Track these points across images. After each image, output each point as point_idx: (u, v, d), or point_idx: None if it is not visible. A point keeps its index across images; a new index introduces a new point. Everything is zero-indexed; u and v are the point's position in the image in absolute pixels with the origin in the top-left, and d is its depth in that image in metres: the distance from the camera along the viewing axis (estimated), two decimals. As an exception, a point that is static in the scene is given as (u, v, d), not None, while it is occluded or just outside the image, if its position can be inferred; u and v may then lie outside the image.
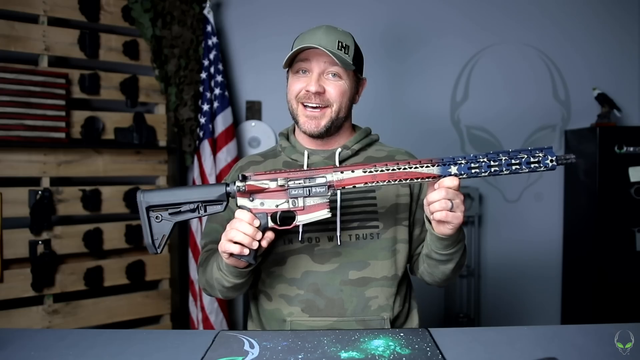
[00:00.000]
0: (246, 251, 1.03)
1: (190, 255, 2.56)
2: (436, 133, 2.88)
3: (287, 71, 1.25)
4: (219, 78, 2.56)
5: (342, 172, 1.02)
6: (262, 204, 1.04)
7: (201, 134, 2.55)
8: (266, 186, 1.03)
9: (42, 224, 2.13)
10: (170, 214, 1.02)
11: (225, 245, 1.04)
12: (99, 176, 2.33)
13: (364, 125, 1.34)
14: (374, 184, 1.01)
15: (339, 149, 1.25)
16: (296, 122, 1.23)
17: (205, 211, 1.03)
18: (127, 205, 2.35)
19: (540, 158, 0.99)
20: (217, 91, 2.56)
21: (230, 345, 0.99)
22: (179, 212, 1.02)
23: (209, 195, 1.02)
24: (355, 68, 1.21)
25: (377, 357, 0.92)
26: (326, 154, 1.25)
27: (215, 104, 2.56)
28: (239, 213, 1.03)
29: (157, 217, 1.02)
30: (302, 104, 1.20)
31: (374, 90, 2.66)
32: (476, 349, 0.97)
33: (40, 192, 2.13)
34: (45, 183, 2.17)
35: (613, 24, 2.95)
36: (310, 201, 1.03)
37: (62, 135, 2.17)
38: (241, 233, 1.02)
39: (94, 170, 2.31)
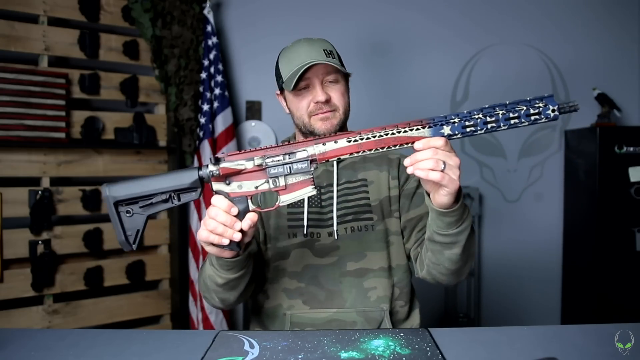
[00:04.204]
0: (225, 241, 0.97)
1: (190, 255, 2.56)
2: (436, 133, 2.88)
3: (280, 94, 1.32)
4: (219, 78, 2.56)
5: (324, 144, 0.95)
6: (240, 186, 0.97)
7: (201, 134, 2.55)
8: (242, 167, 0.95)
9: (42, 224, 2.13)
10: (141, 207, 0.95)
11: (203, 235, 0.98)
12: (99, 176, 2.33)
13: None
14: (360, 154, 0.96)
15: None
16: (311, 132, 1.23)
17: (179, 200, 0.96)
18: (127, 205, 2.35)
19: (541, 109, 0.92)
20: (217, 91, 2.56)
21: (230, 345, 0.99)
22: (151, 205, 0.95)
23: (180, 183, 0.95)
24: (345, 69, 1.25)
25: (377, 357, 0.92)
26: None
27: (215, 104, 2.56)
28: (215, 200, 0.97)
29: (127, 212, 0.95)
30: (314, 115, 1.22)
31: (374, 89, 2.67)
32: (476, 349, 0.97)
33: (40, 192, 2.13)
34: (45, 183, 2.17)
35: (613, 24, 2.95)
36: (292, 179, 0.96)
37: (62, 135, 2.17)
38: (219, 223, 0.96)
39: (94, 170, 2.31)
